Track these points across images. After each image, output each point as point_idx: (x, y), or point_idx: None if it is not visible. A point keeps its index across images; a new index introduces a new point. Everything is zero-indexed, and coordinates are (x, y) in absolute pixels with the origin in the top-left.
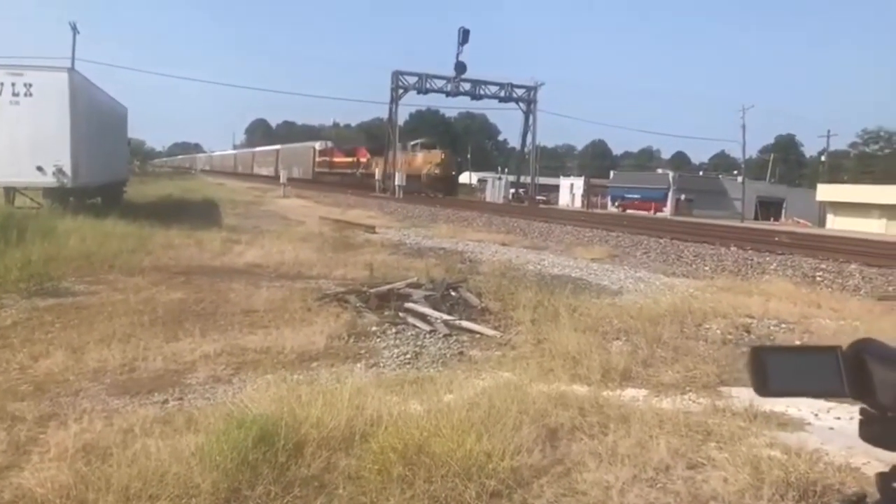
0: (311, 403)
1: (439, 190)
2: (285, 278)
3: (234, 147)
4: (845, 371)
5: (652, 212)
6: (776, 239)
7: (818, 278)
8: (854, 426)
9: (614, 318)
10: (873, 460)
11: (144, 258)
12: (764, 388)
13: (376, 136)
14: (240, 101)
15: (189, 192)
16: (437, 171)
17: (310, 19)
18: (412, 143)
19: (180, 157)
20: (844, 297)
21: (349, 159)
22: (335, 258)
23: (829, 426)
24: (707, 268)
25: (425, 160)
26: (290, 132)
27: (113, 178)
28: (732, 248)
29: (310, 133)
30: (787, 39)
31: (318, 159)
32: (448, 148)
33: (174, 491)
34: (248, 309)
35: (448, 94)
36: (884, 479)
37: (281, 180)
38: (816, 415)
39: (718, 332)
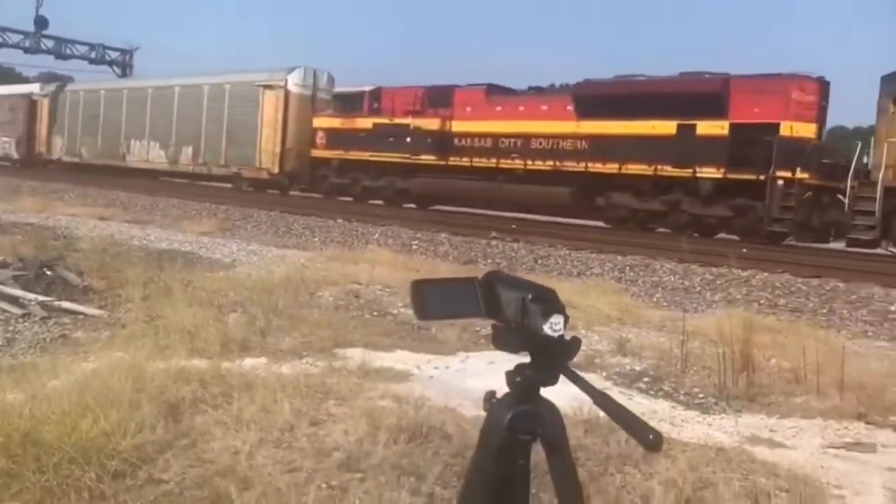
0: None
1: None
2: None
3: None
4: (481, 296)
5: None
6: (376, 212)
7: (415, 247)
8: (448, 374)
9: (230, 290)
10: (464, 401)
11: None
12: (423, 314)
13: None
14: None
15: None
16: None
17: None
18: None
19: None
20: (436, 262)
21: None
22: None
23: (430, 375)
24: (317, 239)
25: None
26: None
27: None
28: (339, 220)
29: None
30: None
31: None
32: None
33: None
34: None
35: (27, 50)
36: (509, 375)
37: None
38: (419, 367)
39: (331, 298)
